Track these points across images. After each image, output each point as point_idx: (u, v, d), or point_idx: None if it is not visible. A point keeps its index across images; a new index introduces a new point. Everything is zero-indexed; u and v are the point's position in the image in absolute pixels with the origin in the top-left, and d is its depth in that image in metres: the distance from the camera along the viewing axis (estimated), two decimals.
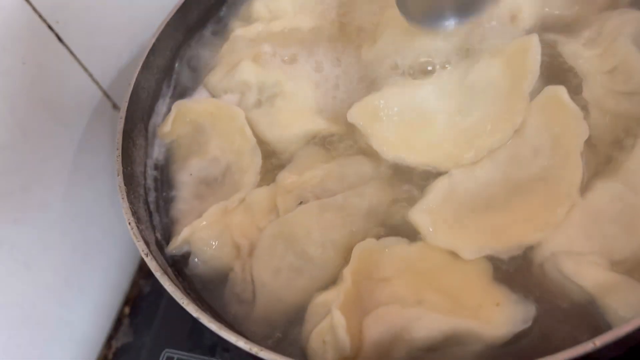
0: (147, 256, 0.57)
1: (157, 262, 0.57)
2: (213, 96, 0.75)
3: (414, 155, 0.63)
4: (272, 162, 0.69)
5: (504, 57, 0.64)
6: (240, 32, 0.78)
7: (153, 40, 0.73)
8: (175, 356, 0.81)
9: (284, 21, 0.77)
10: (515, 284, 0.54)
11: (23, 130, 0.75)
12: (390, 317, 0.53)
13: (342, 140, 0.68)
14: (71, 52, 0.84)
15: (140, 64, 0.72)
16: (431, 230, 0.57)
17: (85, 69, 0.88)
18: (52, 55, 0.80)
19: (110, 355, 0.90)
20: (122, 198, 0.61)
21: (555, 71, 0.65)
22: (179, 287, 0.55)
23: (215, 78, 0.76)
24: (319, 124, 0.68)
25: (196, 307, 0.53)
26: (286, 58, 0.74)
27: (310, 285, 0.59)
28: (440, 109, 0.65)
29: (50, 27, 0.79)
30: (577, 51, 0.65)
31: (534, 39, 0.63)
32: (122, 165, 0.64)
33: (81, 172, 0.84)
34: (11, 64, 0.73)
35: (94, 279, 0.89)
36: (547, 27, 0.70)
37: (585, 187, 0.57)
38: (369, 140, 0.64)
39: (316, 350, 0.54)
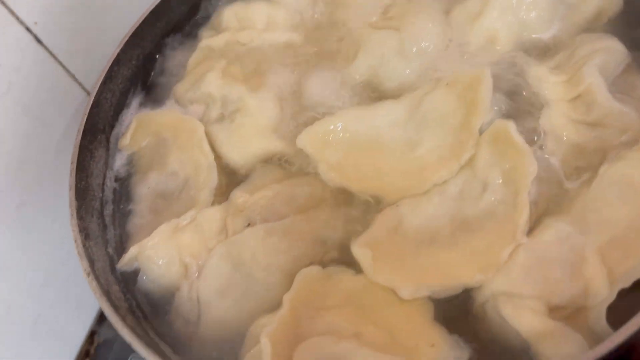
0: (88, 276, 0.57)
1: (98, 282, 0.57)
2: (180, 107, 0.74)
3: (361, 185, 0.61)
4: (231, 179, 0.67)
5: (457, 89, 0.61)
6: (207, 42, 0.76)
7: (117, 51, 0.72)
8: None
9: (252, 33, 0.74)
10: (454, 324, 0.53)
11: (1, 134, 0.75)
12: (322, 348, 0.51)
13: (298, 160, 0.66)
14: (51, 54, 0.84)
15: (103, 75, 0.70)
16: (371, 266, 0.55)
17: (67, 70, 0.87)
18: (31, 57, 0.79)
19: (92, 350, 0.90)
20: (72, 215, 0.61)
21: (520, 93, 0.62)
22: (116, 310, 0.55)
23: (181, 89, 0.74)
24: (275, 145, 0.67)
25: (130, 332, 0.52)
26: (251, 73, 0.72)
27: (255, 308, 0.58)
28: (391, 138, 0.62)
29: (28, 29, 0.79)
30: (542, 76, 0.62)
31: (486, 73, 0.60)
32: (77, 180, 0.63)
33: (60, 171, 0.83)
34: None
35: (75, 276, 0.89)
36: (526, 49, 0.67)
37: (534, 224, 0.54)
38: (317, 167, 0.63)
39: None
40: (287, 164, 0.66)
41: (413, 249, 0.56)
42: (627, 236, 0.50)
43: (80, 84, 0.89)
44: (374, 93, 0.68)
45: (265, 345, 0.50)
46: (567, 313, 0.50)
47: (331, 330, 0.53)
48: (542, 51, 0.67)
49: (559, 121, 0.58)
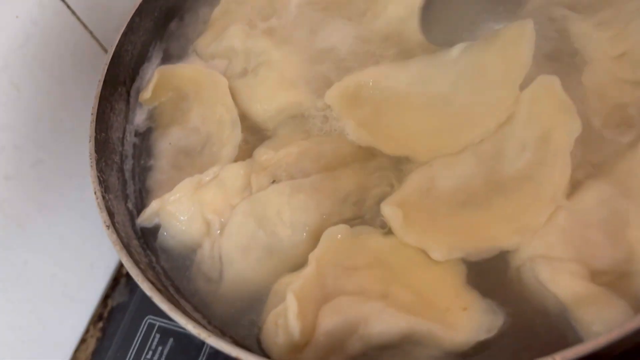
0: (108, 228, 0.54)
1: (118, 234, 0.54)
2: (202, 61, 0.71)
3: (391, 144, 0.58)
4: (256, 136, 0.65)
5: (497, 44, 0.58)
6: None
7: (139, 1, 0.69)
8: (157, 323, 0.81)
9: None
10: (488, 288, 0.50)
11: (17, 88, 0.73)
12: (349, 308, 0.49)
13: (325, 115, 0.63)
14: (69, 7, 0.81)
15: (124, 25, 0.67)
16: (402, 225, 0.52)
17: (85, 25, 0.85)
18: (49, 10, 0.76)
19: (105, 314, 0.89)
20: (91, 166, 0.58)
21: (559, 52, 0.59)
22: (136, 264, 0.52)
23: (203, 42, 0.71)
24: (302, 98, 0.63)
25: (150, 286, 0.50)
26: (275, 26, 0.68)
27: (280, 267, 0.56)
28: (424, 95, 0.59)
29: None
30: (586, 31, 0.58)
31: (529, 26, 0.56)
32: (96, 131, 0.61)
33: (77, 129, 0.81)
34: (3, 18, 0.70)
35: (91, 239, 0.87)
36: (561, 4, 0.62)
37: (573, 186, 0.51)
38: (345, 126, 0.60)
39: (269, 333, 0.51)
40: (312, 120, 0.63)
41: (446, 210, 0.53)
42: None
43: (97, 40, 0.87)
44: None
45: (291, 301, 0.48)
46: (610, 279, 0.47)
47: (358, 291, 0.51)
48: (584, 6, 0.62)
49: (603, 79, 0.55)
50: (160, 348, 0.80)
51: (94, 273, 0.90)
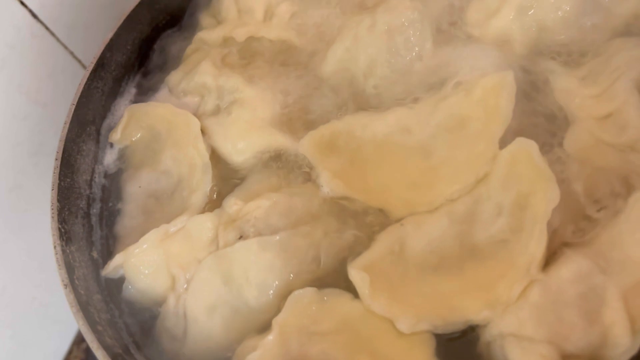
0: (65, 287, 0.52)
1: (76, 293, 0.52)
2: (174, 97, 0.68)
3: (366, 196, 0.55)
4: (227, 180, 0.62)
5: (477, 94, 0.54)
6: (202, 35, 0.69)
7: (110, 36, 0.65)
8: None
9: (250, 29, 0.67)
10: None
11: None
12: None
13: (297, 159, 0.60)
14: (47, 29, 0.79)
15: (95, 61, 0.64)
16: (369, 292, 0.49)
17: (65, 46, 0.82)
18: (26, 32, 0.74)
19: None
20: (52, 217, 0.55)
21: (541, 109, 0.56)
22: (92, 327, 0.50)
23: (175, 78, 0.68)
24: (276, 139, 0.61)
25: (104, 354, 0.48)
26: (247, 63, 0.65)
27: (245, 327, 0.53)
28: (402, 146, 0.56)
29: (22, 3, 0.73)
30: (571, 88, 0.54)
31: (509, 78, 0.53)
32: (60, 178, 0.58)
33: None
34: None
35: None
36: (544, 53, 0.59)
37: (549, 256, 0.48)
38: (319, 177, 0.57)
39: None
40: (284, 165, 0.61)
41: (415, 274, 0.51)
42: None
43: (79, 60, 0.84)
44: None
45: None
46: None
47: (322, 358, 0.48)
48: (568, 58, 0.59)
49: (586, 142, 0.52)
50: None
51: None
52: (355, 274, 0.50)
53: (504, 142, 0.52)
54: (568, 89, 0.54)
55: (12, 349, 0.79)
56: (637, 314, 0.44)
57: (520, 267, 0.47)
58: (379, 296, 0.49)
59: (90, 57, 0.65)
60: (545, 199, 0.48)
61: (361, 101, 0.61)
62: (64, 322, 0.88)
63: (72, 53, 0.83)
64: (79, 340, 0.90)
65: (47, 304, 0.83)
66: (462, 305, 0.48)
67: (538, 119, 0.55)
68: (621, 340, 0.43)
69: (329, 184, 0.56)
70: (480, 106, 0.55)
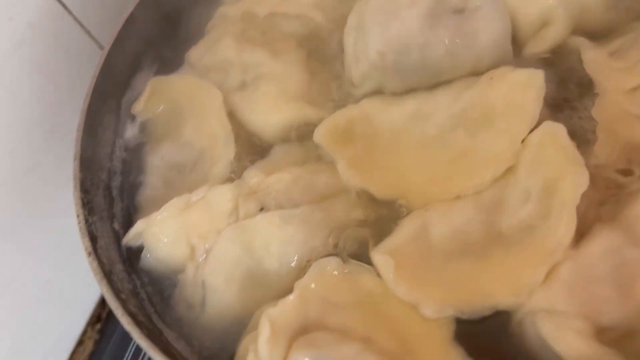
0: (89, 255, 0.51)
1: (100, 262, 0.51)
2: (196, 72, 0.67)
3: (382, 187, 0.53)
4: (250, 153, 0.61)
5: (504, 87, 0.52)
6: (224, 9, 0.68)
7: (132, 9, 0.64)
8: None
9: (272, 3, 0.65)
10: (475, 347, 0.46)
11: (11, 92, 0.70)
12: (324, 344, 0.45)
13: None
14: (66, 8, 0.78)
15: (116, 34, 0.63)
16: (393, 277, 0.48)
17: (81, 24, 0.81)
18: (45, 11, 0.73)
19: (103, 314, 0.88)
20: (75, 187, 0.55)
21: (570, 82, 0.54)
22: (117, 294, 0.49)
23: (197, 53, 0.67)
24: (306, 113, 0.59)
25: (129, 320, 0.48)
26: (271, 37, 0.64)
27: (264, 296, 0.52)
28: (421, 135, 0.54)
29: None
30: (600, 60, 0.52)
31: (539, 77, 0.51)
32: (83, 149, 0.57)
33: (74, 132, 0.79)
34: None
35: None
36: (583, 32, 0.57)
37: (578, 233, 0.46)
38: (337, 165, 0.55)
39: (240, 358, 0.49)
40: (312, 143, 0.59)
41: (440, 261, 0.49)
42: None
43: (96, 40, 0.83)
44: None
45: (263, 325, 0.45)
46: (618, 335, 0.42)
47: (340, 328, 0.47)
48: (600, 35, 0.57)
49: (612, 112, 0.50)
50: None
51: (90, 275, 0.88)
52: (380, 258, 0.49)
53: None
54: (597, 60, 0.52)
55: (28, 329, 0.79)
56: None
57: (547, 252, 0.46)
58: (403, 281, 0.48)
59: (107, 37, 0.65)
60: (574, 184, 0.46)
61: None
62: (79, 304, 0.87)
63: (88, 32, 0.82)
64: (93, 321, 0.89)
65: (62, 286, 0.82)
66: (489, 291, 0.46)
67: (569, 91, 0.53)
68: None
69: (345, 174, 0.55)
70: (505, 100, 0.53)
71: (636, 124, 0.49)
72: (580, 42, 0.55)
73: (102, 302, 0.87)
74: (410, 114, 0.55)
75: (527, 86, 0.52)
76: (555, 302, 0.44)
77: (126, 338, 0.83)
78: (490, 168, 0.50)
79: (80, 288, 0.86)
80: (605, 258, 0.44)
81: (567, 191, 0.46)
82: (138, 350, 0.82)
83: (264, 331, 0.45)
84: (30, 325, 0.79)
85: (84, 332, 0.89)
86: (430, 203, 0.51)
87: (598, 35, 0.56)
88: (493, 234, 0.49)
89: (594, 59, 0.53)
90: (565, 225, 0.45)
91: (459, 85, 0.55)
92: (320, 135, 0.56)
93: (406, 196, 0.53)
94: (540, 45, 0.56)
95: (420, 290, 0.47)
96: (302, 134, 0.60)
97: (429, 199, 0.52)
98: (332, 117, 0.57)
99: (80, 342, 0.87)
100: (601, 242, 0.44)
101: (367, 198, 0.54)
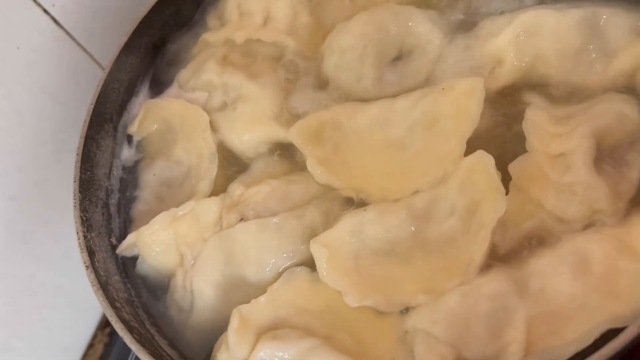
0: (87, 269, 0.56)
1: (97, 274, 0.56)
2: (184, 92, 0.71)
3: (346, 182, 0.58)
4: (233, 168, 0.66)
5: (451, 96, 0.57)
6: (206, 36, 0.73)
7: (125, 40, 0.69)
8: None
9: (249, 32, 0.70)
10: None
11: (19, 114, 0.75)
12: (288, 337, 0.50)
13: (297, 149, 0.63)
14: (69, 34, 0.82)
15: (111, 64, 0.68)
16: (324, 265, 0.52)
17: (84, 49, 0.85)
18: (49, 38, 0.78)
19: None
20: (75, 207, 0.60)
21: (509, 132, 0.57)
22: (111, 303, 0.54)
23: (185, 75, 0.72)
24: (277, 132, 0.64)
25: (122, 327, 0.52)
26: (250, 61, 0.69)
27: (244, 300, 0.56)
28: (382, 137, 0.59)
29: (45, 11, 0.77)
30: (538, 122, 0.54)
31: (479, 84, 0.55)
32: (81, 171, 0.62)
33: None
34: (4, 50, 0.71)
35: None
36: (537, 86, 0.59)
37: (485, 266, 0.50)
38: (307, 161, 0.60)
39: (216, 351, 0.53)
40: (287, 154, 0.64)
41: (369, 257, 0.54)
42: (560, 314, 0.46)
43: (98, 63, 0.87)
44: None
45: (233, 317, 0.51)
46: None
47: (304, 328, 0.52)
48: (563, 99, 0.58)
49: (531, 173, 0.53)
50: None
51: None
52: (316, 248, 0.53)
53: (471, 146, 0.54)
54: (536, 121, 0.54)
55: (40, 333, 0.83)
56: (534, 340, 0.45)
57: (460, 265, 0.50)
58: (333, 271, 0.52)
59: (108, 60, 0.69)
60: (493, 208, 0.50)
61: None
62: (89, 309, 0.91)
63: (91, 55, 0.86)
64: (103, 325, 0.93)
65: (72, 291, 0.86)
66: (404, 290, 0.51)
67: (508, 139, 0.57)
68: (513, 358, 0.45)
69: (314, 170, 0.59)
70: (453, 106, 0.57)
71: (550, 188, 0.51)
72: (532, 99, 0.58)
73: None
74: (374, 119, 0.60)
75: (470, 92, 0.56)
76: (435, 326, 0.48)
77: None
78: (441, 166, 0.55)
79: (90, 294, 0.90)
80: (490, 300, 0.47)
81: (487, 213, 0.51)
82: None
83: (234, 321, 0.51)
84: (43, 329, 0.83)
85: (94, 336, 0.93)
86: (387, 198, 0.56)
87: (562, 97, 0.58)
88: (419, 239, 0.53)
89: (534, 119, 0.54)
90: (479, 243, 0.50)
91: (416, 94, 0.60)
92: (294, 134, 0.61)
93: (366, 191, 0.57)
94: (492, 83, 0.59)
95: (347, 280, 0.52)
96: (275, 149, 0.65)
97: (386, 194, 0.56)
98: (306, 119, 0.61)
99: (90, 345, 0.91)
100: (493, 286, 0.48)
101: (335, 199, 0.59)
